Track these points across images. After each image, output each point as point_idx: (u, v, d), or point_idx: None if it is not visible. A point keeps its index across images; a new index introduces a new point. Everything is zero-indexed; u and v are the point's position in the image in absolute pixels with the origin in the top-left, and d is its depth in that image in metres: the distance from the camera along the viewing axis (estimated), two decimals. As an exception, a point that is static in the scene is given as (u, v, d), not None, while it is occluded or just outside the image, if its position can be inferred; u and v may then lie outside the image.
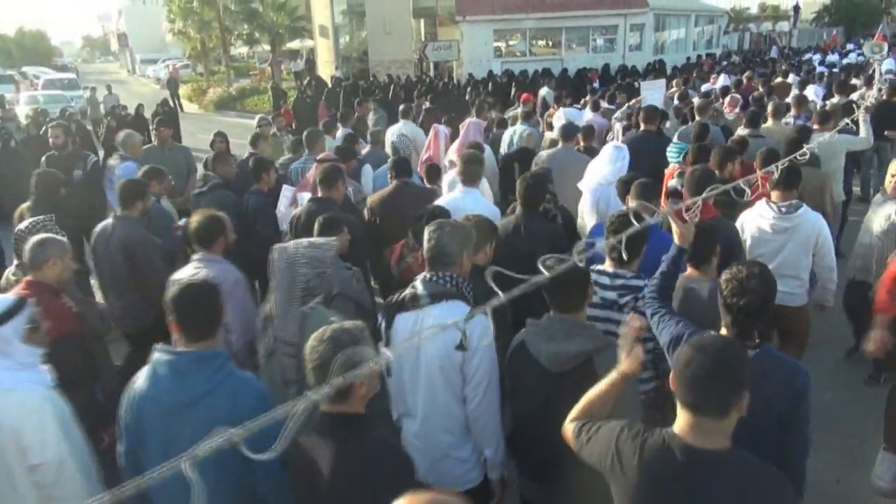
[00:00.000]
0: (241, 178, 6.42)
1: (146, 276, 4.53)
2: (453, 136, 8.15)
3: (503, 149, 8.17)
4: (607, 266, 3.50)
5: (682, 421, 1.95)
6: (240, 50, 41.26)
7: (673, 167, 6.01)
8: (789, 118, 8.28)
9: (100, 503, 1.04)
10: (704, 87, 13.66)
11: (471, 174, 5.01)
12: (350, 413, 2.19)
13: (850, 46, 28.60)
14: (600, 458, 2.10)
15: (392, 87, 17.76)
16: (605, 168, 5.51)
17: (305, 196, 5.40)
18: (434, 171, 6.23)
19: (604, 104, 10.71)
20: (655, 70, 20.86)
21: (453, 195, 5.06)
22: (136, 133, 7.94)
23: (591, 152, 6.48)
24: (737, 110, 9.48)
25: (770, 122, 7.70)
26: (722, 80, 14.43)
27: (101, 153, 11.56)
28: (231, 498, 2.40)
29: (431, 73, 24.37)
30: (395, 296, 3.00)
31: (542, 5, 25.09)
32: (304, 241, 3.30)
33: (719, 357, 1.89)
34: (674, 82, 14.10)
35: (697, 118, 8.06)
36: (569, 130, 6.83)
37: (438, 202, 4.81)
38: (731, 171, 5.26)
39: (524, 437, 2.94)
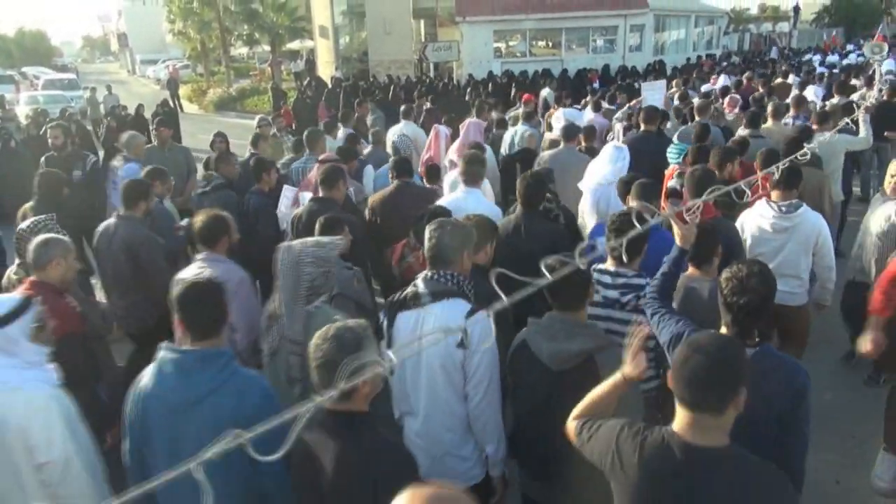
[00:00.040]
0: (243, 178, 6.43)
1: (149, 275, 4.54)
2: (454, 136, 8.16)
3: (504, 149, 8.18)
4: (609, 265, 3.52)
5: (680, 419, 1.97)
6: (240, 50, 41.26)
7: (673, 168, 6.02)
8: (788, 118, 8.29)
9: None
10: (704, 88, 13.66)
11: (473, 174, 5.02)
12: (354, 411, 2.20)
13: (850, 47, 28.61)
14: (601, 457, 2.11)
15: (392, 88, 17.76)
16: (605, 168, 5.52)
17: (307, 196, 5.41)
18: (434, 171, 6.24)
19: (604, 104, 10.72)
20: (655, 71, 20.86)
21: (455, 195, 5.07)
22: (140, 134, 7.96)
23: (593, 152, 6.49)
24: (736, 110, 9.49)
25: (770, 122, 7.72)
26: (722, 81, 14.44)
27: (101, 153, 11.54)
28: (238, 500, 2.41)
29: (431, 74, 24.37)
30: (397, 294, 3.01)
31: (542, 6, 25.10)
32: (310, 240, 3.32)
33: (715, 354, 1.90)
34: (674, 83, 14.11)
35: (697, 118, 8.07)
36: (570, 131, 6.85)
37: (440, 202, 4.82)
38: (730, 171, 5.27)
39: (525, 436, 2.95)
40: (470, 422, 2.90)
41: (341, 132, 8.94)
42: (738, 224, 4.55)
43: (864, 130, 6.88)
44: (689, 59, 27.01)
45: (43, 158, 7.96)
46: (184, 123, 17.44)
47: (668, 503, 1.96)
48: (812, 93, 11.79)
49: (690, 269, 3.45)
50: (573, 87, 16.86)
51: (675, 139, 6.97)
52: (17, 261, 4.28)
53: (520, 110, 9.83)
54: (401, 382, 2.98)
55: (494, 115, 9.99)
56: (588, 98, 12.62)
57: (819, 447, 4.00)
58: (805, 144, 4.32)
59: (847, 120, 6.32)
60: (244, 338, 3.65)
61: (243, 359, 3.29)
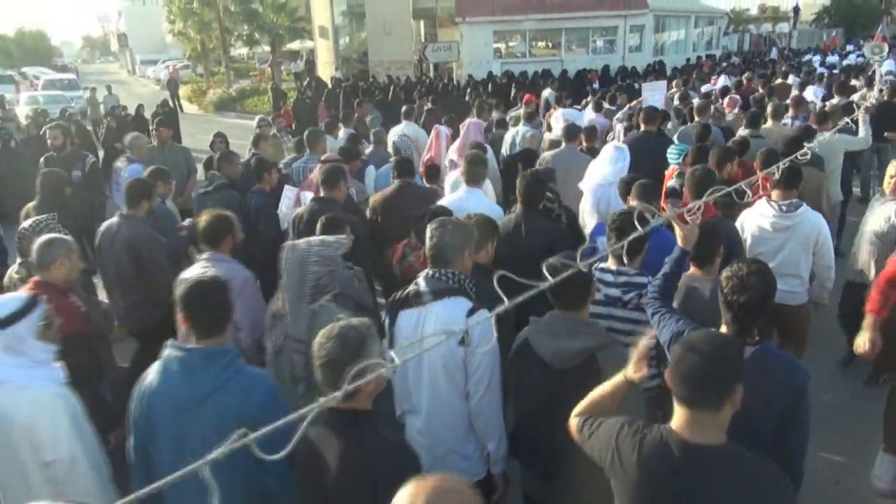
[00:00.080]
0: (244, 178, 6.45)
1: (151, 275, 4.55)
2: (454, 136, 8.16)
3: (504, 150, 8.19)
4: (610, 264, 3.53)
5: (678, 416, 1.98)
6: (240, 51, 41.26)
7: (673, 168, 6.03)
8: (787, 119, 8.31)
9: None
10: (704, 88, 13.67)
11: (475, 174, 5.03)
12: (357, 410, 2.21)
13: (849, 48, 28.62)
14: (601, 454, 2.13)
15: (392, 88, 17.77)
16: (605, 168, 5.53)
17: (309, 196, 5.42)
18: (433, 171, 6.24)
19: (605, 105, 10.73)
20: (655, 71, 20.87)
21: (457, 195, 5.09)
22: (143, 136, 7.98)
23: (594, 153, 6.50)
24: (736, 111, 9.50)
25: (770, 122, 7.74)
26: (722, 82, 14.45)
27: (101, 154, 11.54)
28: (242, 498, 2.42)
29: (431, 75, 24.37)
30: (399, 293, 3.03)
31: (541, 6, 25.10)
32: (315, 239, 3.33)
33: (710, 352, 1.92)
34: (674, 83, 14.12)
35: (697, 119, 8.08)
36: (571, 131, 6.86)
37: (442, 202, 4.83)
38: (729, 171, 5.28)
39: (527, 434, 2.96)
40: (471, 419, 2.91)
41: (342, 132, 8.95)
42: (738, 223, 4.56)
43: (864, 130, 6.91)
44: (688, 59, 27.01)
45: (42, 159, 7.97)
46: (184, 124, 17.45)
47: (667, 501, 1.97)
48: (812, 93, 11.81)
49: (692, 269, 3.46)
50: (573, 88, 16.86)
51: (675, 139, 6.98)
52: (18, 260, 4.29)
53: (521, 111, 9.83)
54: (403, 381, 3.00)
55: (495, 115, 10.00)
56: (588, 98, 12.64)
57: (819, 447, 4.03)
58: (805, 144, 4.33)
59: (847, 120, 6.34)
60: (248, 336, 3.66)
61: (247, 357, 3.30)
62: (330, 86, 19.64)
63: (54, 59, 61.33)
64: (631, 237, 2.26)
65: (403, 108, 9.35)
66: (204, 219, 3.96)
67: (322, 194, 5.04)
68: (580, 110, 11.12)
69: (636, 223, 2.20)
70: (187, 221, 5.12)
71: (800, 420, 2.43)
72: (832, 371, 5.35)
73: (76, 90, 25.95)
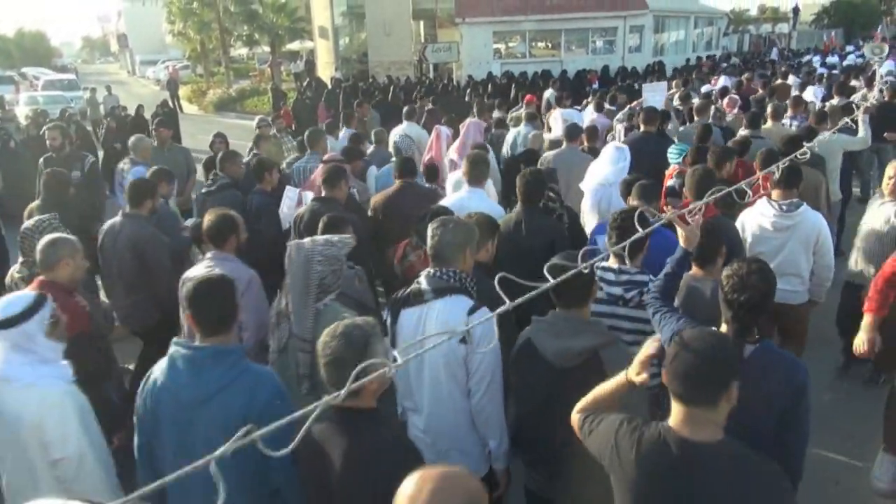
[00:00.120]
0: (246, 178, 6.45)
1: (154, 274, 4.56)
2: (455, 136, 8.17)
3: (505, 150, 8.19)
4: (612, 262, 3.53)
5: (675, 414, 2.00)
6: (239, 51, 41.24)
7: (673, 167, 6.04)
8: (786, 119, 8.32)
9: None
10: (704, 89, 13.68)
11: (477, 174, 5.04)
12: (362, 408, 2.22)
13: (849, 48, 28.64)
14: (600, 451, 2.15)
15: (392, 89, 17.77)
16: (606, 168, 5.54)
17: (310, 196, 5.43)
18: (432, 171, 6.25)
19: (605, 105, 10.75)
20: (655, 72, 20.87)
21: (459, 195, 5.09)
22: (147, 138, 7.98)
23: (595, 153, 6.51)
24: (735, 111, 9.52)
25: (769, 123, 7.75)
26: (722, 82, 14.46)
27: (101, 154, 11.54)
28: (247, 494, 2.43)
29: (431, 75, 24.38)
30: (400, 292, 3.04)
31: (541, 7, 25.11)
32: (321, 238, 3.34)
33: (705, 350, 1.93)
34: (673, 84, 14.13)
35: (696, 119, 8.09)
36: (573, 131, 6.86)
37: (444, 202, 4.84)
38: (728, 170, 5.29)
39: (529, 433, 2.97)
40: (473, 417, 2.92)
41: (343, 132, 8.96)
42: (738, 223, 4.58)
43: (863, 131, 6.93)
44: (688, 60, 27.02)
45: (41, 160, 7.97)
46: (183, 124, 17.45)
47: (665, 498, 1.98)
48: (812, 94, 11.82)
49: (694, 269, 3.47)
50: (573, 89, 16.87)
51: (675, 139, 6.99)
52: (20, 259, 4.29)
53: (521, 111, 9.84)
54: (404, 379, 3.01)
55: (497, 114, 10.01)
56: (589, 99, 12.64)
57: (819, 447, 4.03)
58: (804, 144, 4.34)
59: (847, 120, 6.35)
60: (252, 336, 3.67)
61: (251, 356, 3.31)
62: (330, 86, 19.64)
63: (54, 59, 61.31)
64: (631, 239, 2.27)
65: (405, 109, 9.37)
66: (209, 218, 3.97)
67: (323, 194, 5.05)
68: (580, 111, 11.13)
69: (637, 224, 2.21)
70: (189, 221, 5.12)
71: (800, 420, 2.44)
72: (832, 371, 5.35)
73: (76, 91, 25.93)
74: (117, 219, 4.80)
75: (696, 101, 9.41)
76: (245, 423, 1.22)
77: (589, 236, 4.89)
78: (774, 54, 29.17)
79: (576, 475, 2.46)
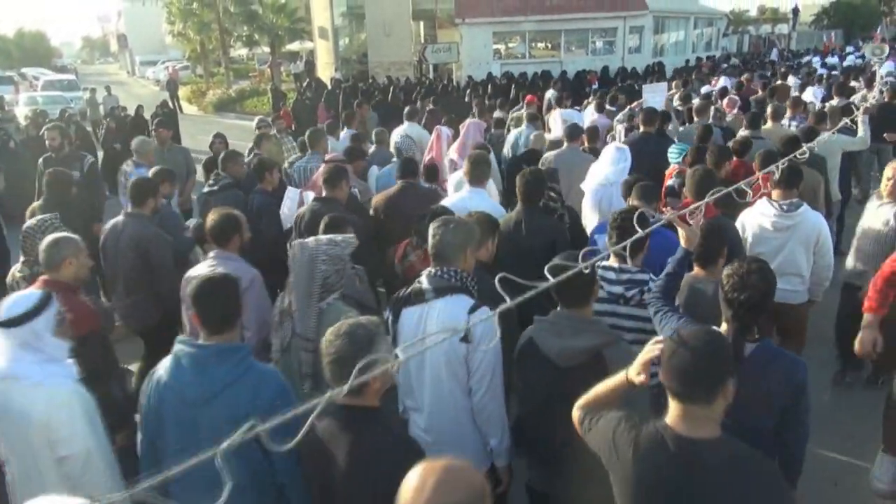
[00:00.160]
0: (247, 178, 6.46)
1: (157, 273, 4.57)
2: (455, 137, 8.18)
3: (507, 150, 8.19)
4: (612, 261, 3.54)
5: (672, 411, 2.01)
6: (239, 52, 41.25)
7: (673, 167, 6.05)
8: (786, 119, 8.33)
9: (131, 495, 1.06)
10: (704, 90, 13.70)
11: (478, 175, 5.04)
12: (365, 407, 2.23)
13: (849, 49, 28.67)
14: (599, 449, 2.16)
15: (391, 89, 17.79)
16: (606, 169, 5.54)
17: (312, 196, 5.43)
18: (432, 171, 6.25)
19: (605, 105, 10.76)
20: (655, 72, 20.90)
21: (460, 195, 5.10)
22: (150, 139, 7.99)
23: (596, 153, 6.51)
24: (735, 111, 9.52)
25: (769, 123, 7.76)
26: (722, 83, 14.47)
27: (101, 154, 11.54)
28: (251, 491, 2.43)
29: (431, 76, 24.39)
30: (401, 291, 3.05)
31: (541, 8, 25.13)
32: (325, 237, 3.34)
33: (700, 347, 1.94)
34: (673, 84, 14.14)
35: (696, 119, 8.10)
36: (573, 131, 6.87)
37: (445, 202, 4.84)
38: (727, 170, 5.30)
39: (531, 432, 2.97)
40: (474, 415, 2.93)
41: (344, 133, 8.97)
42: (738, 223, 4.59)
43: (863, 131, 6.94)
44: (688, 60, 27.02)
45: (41, 160, 7.97)
46: (183, 124, 17.47)
47: (664, 495, 1.99)
48: (812, 94, 11.83)
49: (695, 269, 3.48)
50: (573, 89, 16.88)
51: (675, 140, 7.00)
52: (21, 259, 4.29)
53: (522, 111, 9.84)
54: (405, 378, 3.02)
55: (497, 114, 10.01)
56: (589, 99, 12.65)
57: (818, 447, 4.02)
58: (803, 144, 4.34)
59: (847, 120, 6.35)
60: (255, 335, 3.67)
61: (253, 355, 3.32)
62: (329, 87, 19.66)
63: (54, 59, 61.27)
64: (632, 239, 2.27)
65: (407, 109, 9.38)
66: (212, 217, 3.97)
67: (324, 194, 5.06)
68: (580, 111, 11.13)
69: (636, 225, 2.21)
70: (190, 222, 5.13)
71: (800, 419, 2.45)
72: (832, 371, 5.35)
73: (75, 91, 25.94)
74: (119, 218, 4.80)
75: (696, 101, 9.42)
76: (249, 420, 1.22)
77: (589, 236, 4.89)
78: (774, 55, 29.20)
79: (577, 473, 2.47)
